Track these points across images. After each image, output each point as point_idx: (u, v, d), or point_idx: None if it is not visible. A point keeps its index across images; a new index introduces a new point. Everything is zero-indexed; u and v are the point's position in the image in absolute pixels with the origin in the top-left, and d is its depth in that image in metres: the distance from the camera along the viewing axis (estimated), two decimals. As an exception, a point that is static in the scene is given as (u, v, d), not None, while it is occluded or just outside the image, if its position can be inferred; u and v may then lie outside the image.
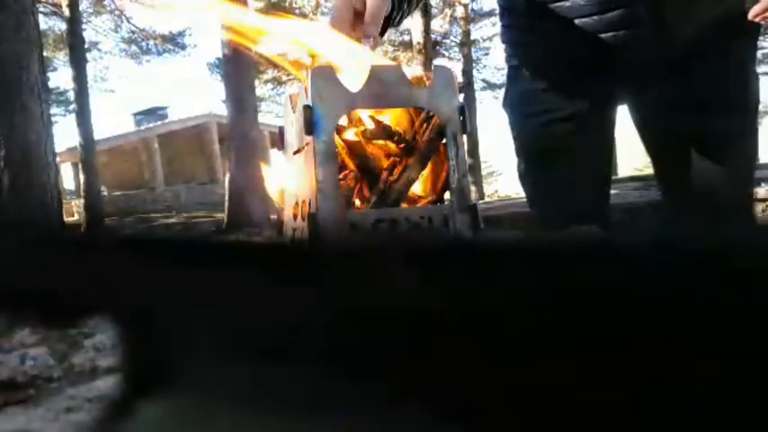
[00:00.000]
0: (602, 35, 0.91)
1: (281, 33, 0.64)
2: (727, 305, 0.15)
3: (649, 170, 1.18)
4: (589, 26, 0.92)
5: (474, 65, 13.71)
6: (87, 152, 8.86)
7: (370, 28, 0.67)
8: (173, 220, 10.71)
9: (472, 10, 13.58)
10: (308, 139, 0.56)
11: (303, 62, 0.65)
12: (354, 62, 0.62)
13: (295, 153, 0.63)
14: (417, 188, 0.64)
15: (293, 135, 0.64)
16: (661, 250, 0.16)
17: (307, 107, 0.55)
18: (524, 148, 1.04)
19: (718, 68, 0.95)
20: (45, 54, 5.08)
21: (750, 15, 0.91)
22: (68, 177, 15.38)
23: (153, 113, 17.33)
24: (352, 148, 0.61)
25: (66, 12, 8.87)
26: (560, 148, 0.99)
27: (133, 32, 14.02)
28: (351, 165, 0.61)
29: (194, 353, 0.24)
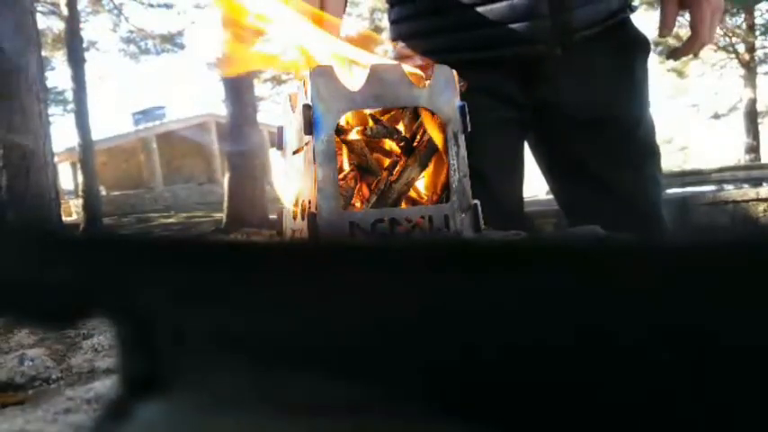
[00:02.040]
0: (499, 27, 0.88)
1: (281, 31, 0.63)
2: None
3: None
4: (488, 16, 0.88)
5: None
6: (86, 152, 8.86)
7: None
8: (171, 220, 10.71)
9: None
10: (308, 138, 0.56)
11: (302, 61, 0.64)
12: (353, 61, 0.62)
13: (294, 153, 0.63)
14: (418, 188, 0.63)
15: (292, 135, 0.64)
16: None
17: (306, 106, 0.54)
18: None
19: (619, 86, 0.94)
20: (43, 53, 5.07)
21: (661, 30, 0.92)
22: (67, 177, 15.37)
23: (151, 113, 17.32)
24: (352, 147, 0.61)
25: (65, 11, 8.87)
26: (471, 163, 0.91)
27: (131, 32, 14.02)
28: (351, 164, 0.61)
29: (194, 354, 0.24)
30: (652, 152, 0.98)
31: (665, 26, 0.91)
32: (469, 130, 0.59)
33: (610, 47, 0.93)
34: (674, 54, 0.96)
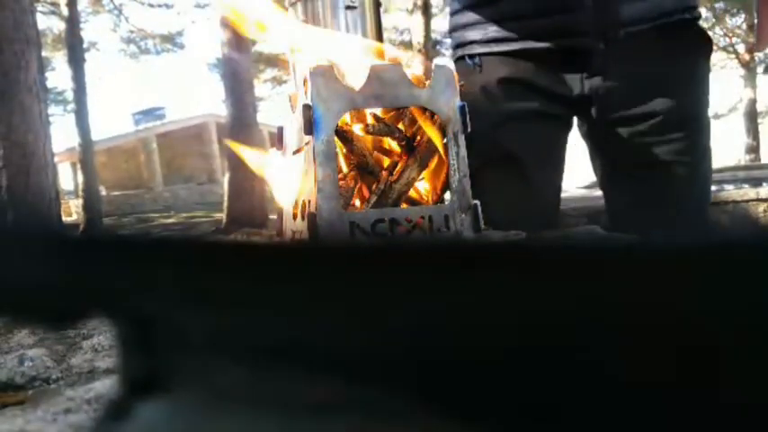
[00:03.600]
0: (555, 22, 0.91)
1: (284, 29, 0.63)
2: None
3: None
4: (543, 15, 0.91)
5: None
6: (86, 152, 8.85)
7: None
8: (171, 220, 10.72)
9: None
10: (308, 138, 0.56)
11: (302, 61, 0.64)
12: (354, 60, 0.62)
13: (295, 153, 0.63)
14: (418, 188, 0.63)
15: (293, 135, 0.64)
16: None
17: (306, 106, 0.54)
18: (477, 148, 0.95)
19: (677, 81, 0.95)
20: (43, 54, 5.07)
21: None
22: (67, 177, 15.37)
23: (152, 113, 17.31)
24: (352, 147, 0.61)
25: (65, 11, 8.87)
26: (511, 149, 0.95)
27: (132, 32, 14.03)
28: (350, 164, 0.61)
29: (194, 354, 0.24)
30: (705, 151, 0.99)
31: (762, 41, 0.96)
32: (470, 129, 0.59)
33: (663, 45, 0.93)
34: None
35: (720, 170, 7.26)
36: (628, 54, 0.92)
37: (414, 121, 0.61)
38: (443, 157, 0.59)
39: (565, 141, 1.03)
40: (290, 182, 0.66)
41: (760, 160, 11.62)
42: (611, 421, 0.16)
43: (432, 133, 0.59)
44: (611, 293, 0.15)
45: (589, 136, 1.03)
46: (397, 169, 0.60)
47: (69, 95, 10.25)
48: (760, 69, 13.04)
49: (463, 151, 0.59)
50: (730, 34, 12.60)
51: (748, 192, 3.69)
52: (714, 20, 13.34)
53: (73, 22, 8.87)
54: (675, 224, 0.93)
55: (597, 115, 0.97)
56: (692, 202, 0.98)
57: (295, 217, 0.63)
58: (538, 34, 0.93)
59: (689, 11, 0.96)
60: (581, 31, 0.91)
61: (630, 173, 0.98)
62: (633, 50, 0.92)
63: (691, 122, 0.96)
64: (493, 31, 0.97)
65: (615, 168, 1.01)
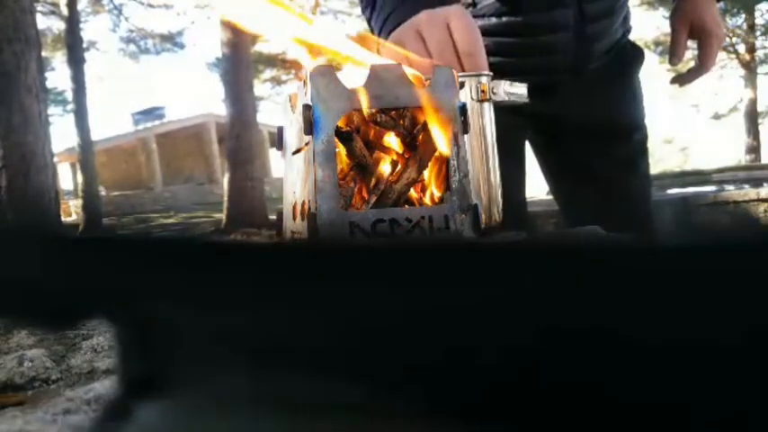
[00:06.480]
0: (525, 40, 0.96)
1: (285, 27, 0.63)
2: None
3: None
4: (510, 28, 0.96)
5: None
6: (85, 152, 8.86)
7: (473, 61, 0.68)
8: (171, 221, 10.72)
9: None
10: (308, 138, 0.56)
11: (303, 61, 0.64)
12: (355, 60, 0.62)
13: (294, 153, 0.63)
14: (418, 188, 0.63)
15: (293, 135, 0.64)
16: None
17: (306, 106, 0.54)
18: None
19: (621, 96, 1.06)
20: (43, 54, 5.08)
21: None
22: (66, 177, 15.39)
23: (151, 113, 17.31)
24: (352, 147, 0.60)
25: (65, 11, 8.87)
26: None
27: (132, 32, 14.03)
28: (350, 164, 0.61)
29: (193, 354, 0.24)
30: (644, 151, 1.10)
31: (676, 56, 1.02)
32: (470, 130, 0.59)
33: (612, 67, 1.03)
34: (679, 80, 1.07)
35: (721, 170, 7.27)
36: (589, 80, 1.00)
37: (414, 122, 0.61)
38: (443, 157, 0.59)
39: (524, 150, 1.10)
40: (290, 182, 0.65)
41: (760, 160, 11.61)
42: (612, 423, 0.16)
43: (432, 133, 0.59)
44: (611, 293, 0.15)
45: (544, 147, 1.10)
46: (397, 169, 0.60)
47: (69, 95, 10.24)
48: (760, 70, 13.04)
49: (463, 151, 0.58)
50: (730, 34, 12.58)
51: (749, 192, 3.69)
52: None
53: (72, 22, 8.87)
54: (626, 213, 1.04)
55: (557, 130, 1.06)
56: (639, 191, 1.08)
57: (295, 217, 0.63)
58: (514, 71, 0.96)
59: (628, 31, 1.06)
60: (558, 69, 0.97)
61: (583, 174, 1.07)
62: (591, 77, 1.01)
63: (635, 126, 1.07)
64: None
65: (569, 173, 1.10)
